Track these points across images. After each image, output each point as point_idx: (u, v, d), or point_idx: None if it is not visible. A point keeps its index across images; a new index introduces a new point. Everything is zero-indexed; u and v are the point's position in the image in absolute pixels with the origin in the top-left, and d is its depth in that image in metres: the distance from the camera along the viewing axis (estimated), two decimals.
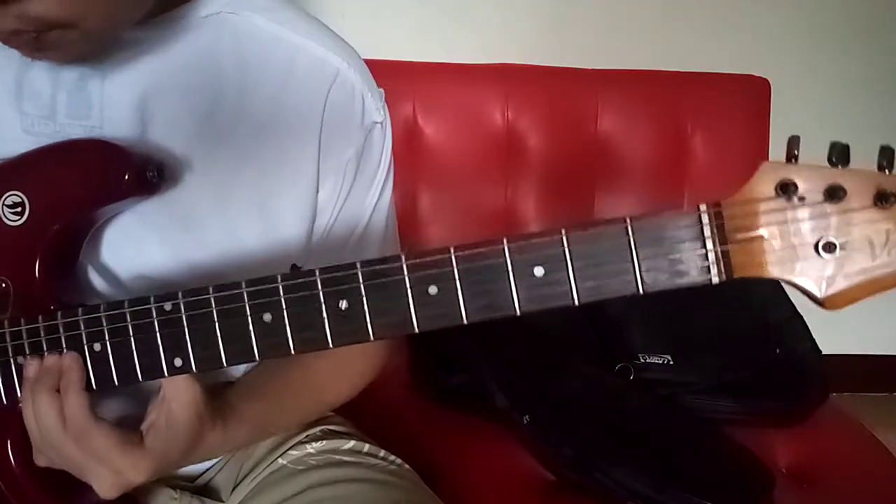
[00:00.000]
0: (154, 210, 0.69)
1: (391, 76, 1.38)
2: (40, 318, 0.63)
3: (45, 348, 0.63)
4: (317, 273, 0.56)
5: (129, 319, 0.60)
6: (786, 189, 0.48)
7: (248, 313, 0.58)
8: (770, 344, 1.27)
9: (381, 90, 0.79)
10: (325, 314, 0.56)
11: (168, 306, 0.60)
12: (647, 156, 1.53)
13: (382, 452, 0.85)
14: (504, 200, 1.51)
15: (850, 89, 1.87)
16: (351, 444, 0.85)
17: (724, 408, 1.21)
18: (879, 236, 0.47)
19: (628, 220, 0.50)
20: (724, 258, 0.49)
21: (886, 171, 0.47)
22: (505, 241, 0.53)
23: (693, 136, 1.53)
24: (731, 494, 1.02)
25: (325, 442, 0.84)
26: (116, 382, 0.62)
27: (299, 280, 0.57)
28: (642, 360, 1.24)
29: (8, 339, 0.64)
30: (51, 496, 0.67)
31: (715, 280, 0.50)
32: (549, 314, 0.52)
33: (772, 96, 1.55)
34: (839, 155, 0.47)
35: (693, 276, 0.50)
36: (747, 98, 1.56)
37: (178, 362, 0.60)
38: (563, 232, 0.51)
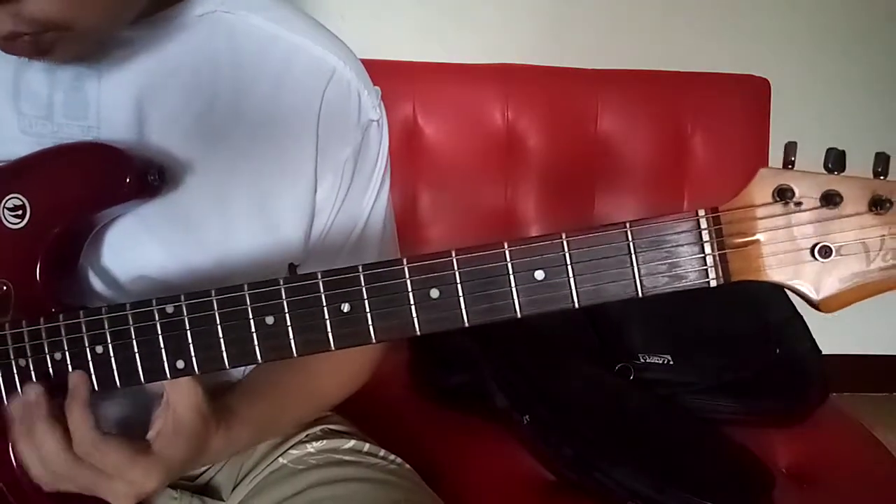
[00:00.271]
0: (153, 211, 0.69)
1: (391, 76, 1.38)
2: (42, 320, 0.63)
3: (46, 351, 0.63)
4: (319, 276, 0.57)
5: (131, 322, 0.61)
6: (783, 195, 0.49)
7: (251, 316, 0.58)
8: (770, 344, 1.27)
9: (378, 88, 0.79)
10: (327, 317, 0.57)
11: (170, 308, 0.60)
12: (647, 156, 1.53)
13: (382, 452, 0.86)
14: (504, 200, 1.51)
15: (850, 89, 1.87)
16: (351, 443, 0.85)
17: (724, 408, 1.21)
18: (874, 241, 0.49)
19: (628, 225, 0.52)
20: (723, 262, 0.51)
21: (882, 177, 0.48)
22: (506, 244, 0.53)
23: (693, 136, 1.53)
24: (731, 494, 1.02)
25: (325, 441, 0.84)
26: (119, 384, 0.62)
27: (301, 283, 0.57)
28: (642, 360, 1.24)
29: (9, 341, 0.64)
30: (51, 499, 0.67)
31: (713, 284, 0.51)
32: (550, 315, 0.53)
33: (772, 96, 1.55)
34: (835, 161, 0.49)
35: (691, 279, 0.51)
36: (747, 98, 1.56)
37: (180, 364, 0.60)
38: (564, 236, 0.52)
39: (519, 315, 0.53)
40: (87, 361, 0.62)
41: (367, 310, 0.56)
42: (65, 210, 0.65)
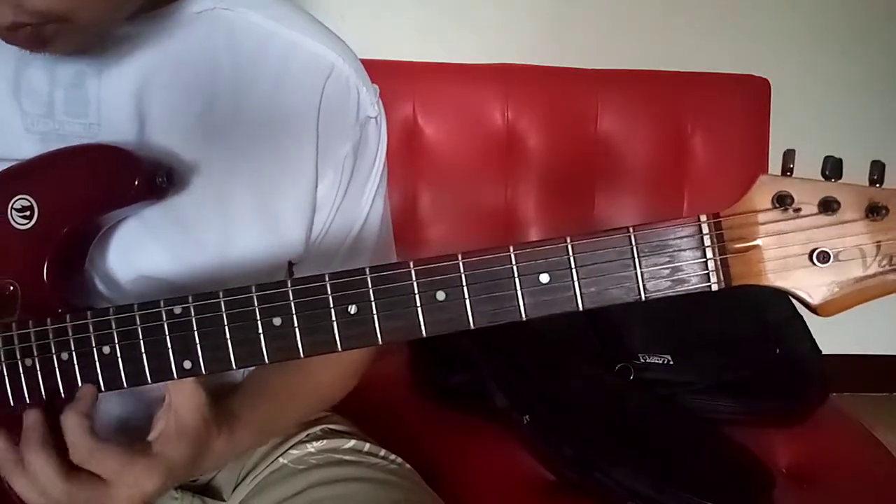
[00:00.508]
0: (154, 212, 0.69)
1: (391, 76, 1.39)
2: (48, 320, 0.63)
3: (53, 351, 0.63)
4: (326, 278, 0.57)
5: (138, 322, 0.61)
6: (782, 201, 0.51)
7: (258, 317, 0.59)
8: (770, 344, 1.27)
9: (376, 86, 0.79)
10: (334, 318, 0.57)
11: (178, 309, 0.60)
12: (647, 156, 1.53)
13: (383, 452, 0.86)
14: (504, 200, 1.51)
15: (850, 89, 1.87)
16: (351, 443, 0.85)
17: (724, 408, 1.21)
18: (870, 247, 0.50)
19: (631, 230, 0.53)
20: (724, 267, 0.52)
21: (878, 184, 0.50)
22: (511, 248, 0.54)
23: (693, 136, 1.53)
24: (731, 494, 1.03)
25: (325, 441, 0.84)
26: (125, 384, 0.62)
27: (309, 285, 0.58)
28: (642, 360, 1.24)
29: (16, 341, 0.64)
30: None
31: (714, 287, 0.52)
32: (551, 315, 0.54)
33: (772, 96, 1.55)
34: (833, 168, 0.50)
35: (693, 283, 0.52)
36: (747, 98, 1.56)
37: (187, 365, 0.61)
38: (568, 240, 0.53)
39: (524, 318, 0.54)
40: (95, 361, 0.62)
41: (374, 311, 0.56)
42: (72, 211, 0.66)
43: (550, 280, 0.54)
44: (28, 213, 0.65)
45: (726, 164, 1.52)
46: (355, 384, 0.87)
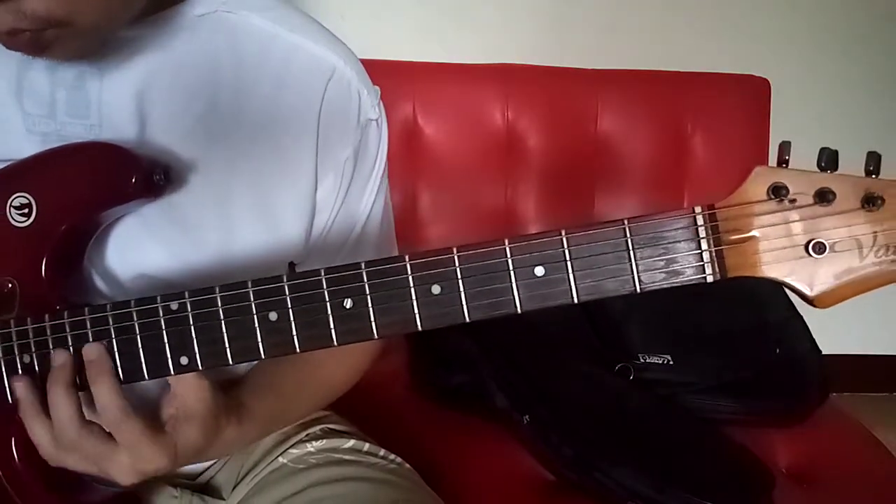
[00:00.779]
0: (154, 211, 0.69)
1: (391, 76, 1.39)
2: (46, 317, 0.63)
3: (51, 347, 0.63)
4: (322, 273, 0.57)
5: (135, 318, 0.61)
6: (778, 192, 0.51)
7: (254, 312, 0.59)
8: (770, 344, 1.27)
9: (377, 88, 0.79)
10: (329, 313, 0.57)
11: (174, 305, 0.60)
12: (647, 156, 1.53)
13: (382, 451, 0.86)
14: (504, 200, 1.51)
15: (850, 89, 1.87)
16: (351, 442, 0.85)
17: (724, 408, 1.21)
18: (867, 237, 0.50)
19: (626, 222, 0.53)
20: (719, 258, 0.52)
21: (874, 175, 0.50)
22: (506, 241, 0.54)
23: (693, 136, 1.53)
24: (731, 494, 1.02)
25: (325, 441, 0.84)
26: (122, 380, 0.62)
27: (304, 279, 0.58)
28: (642, 360, 1.24)
29: (14, 338, 0.64)
30: (53, 492, 0.67)
31: (710, 279, 0.52)
32: (549, 314, 0.54)
33: (772, 96, 1.55)
34: (828, 160, 0.50)
35: (688, 275, 0.52)
36: (747, 98, 1.56)
37: (184, 360, 0.61)
38: (563, 233, 0.53)
39: (519, 310, 0.54)
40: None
41: (370, 305, 0.57)
42: (71, 209, 0.66)
43: (545, 273, 0.54)
44: (26, 210, 0.65)
45: (726, 164, 1.52)
46: (360, 377, 0.88)
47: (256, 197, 0.73)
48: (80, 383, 0.63)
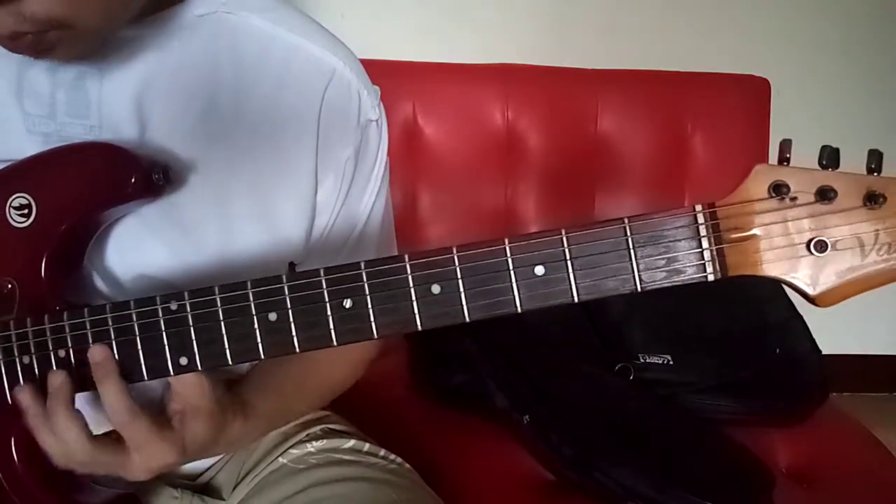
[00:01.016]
0: (154, 212, 0.69)
1: (391, 76, 1.39)
2: (46, 318, 0.63)
3: (50, 348, 0.63)
4: (321, 273, 0.57)
5: (135, 319, 0.61)
6: (779, 190, 0.51)
7: (254, 312, 0.59)
8: (770, 344, 1.27)
9: (377, 88, 0.79)
10: (329, 313, 0.57)
11: (174, 306, 0.60)
12: (647, 156, 1.53)
13: (382, 451, 0.86)
14: (504, 200, 1.51)
15: (850, 89, 1.87)
16: (351, 443, 0.85)
17: (724, 408, 1.21)
18: (869, 236, 0.50)
19: (626, 220, 0.53)
20: (720, 257, 0.52)
21: (875, 173, 0.50)
22: (506, 240, 0.54)
23: (693, 136, 1.53)
24: (731, 494, 1.02)
25: (325, 441, 0.84)
26: None
27: (304, 280, 0.58)
28: (642, 360, 1.24)
29: (13, 338, 0.64)
30: (53, 493, 0.67)
31: (710, 278, 0.52)
32: (550, 314, 0.54)
33: (772, 96, 1.55)
34: (829, 158, 0.50)
35: (689, 274, 0.52)
36: (747, 98, 1.56)
37: (183, 361, 0.61)
38: (563, 232, 0.53)
39: (520, 310, 0.54)
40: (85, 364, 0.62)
41: (369, 305, 0.56)
42: (70, 209, 0.66)
43: (545, 272, 0.54)
44: (26, 211, 0.65)
45: (726, 163, 1.52)
46: (360, 376, 0.88)
47: (256, 197, 0.73)
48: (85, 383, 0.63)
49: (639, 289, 0.53)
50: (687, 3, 1.75)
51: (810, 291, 0.51)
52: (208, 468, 0.84)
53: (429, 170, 1.48)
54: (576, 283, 0.53)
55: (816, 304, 0.52)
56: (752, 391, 1.23)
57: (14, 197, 0.65)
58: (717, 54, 1.72)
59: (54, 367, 0.63)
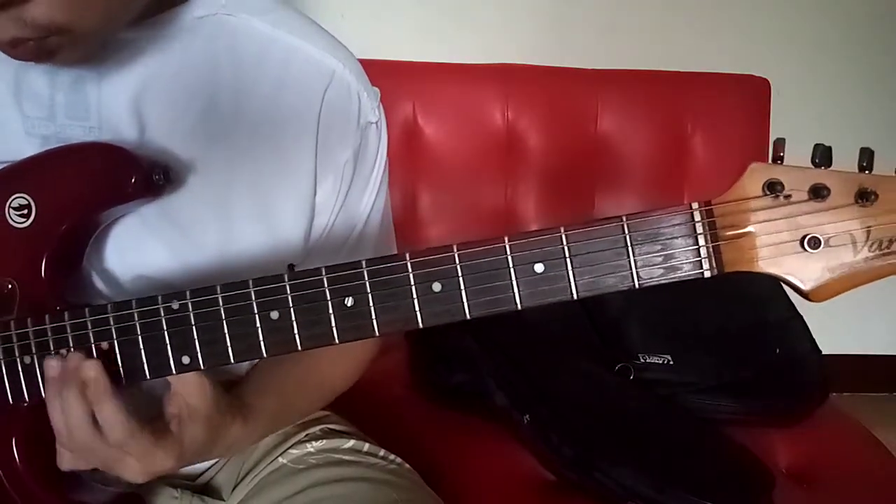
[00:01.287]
0: (154, 212, 0.69)
1: (391, 76, 1.39)
2: (47, 318, 0.63)
3: (52, 348, 0.63)
4: (323, 271, 0.58)
5: (136, 318, 0.61)
6: (773, 188, 0.52)
7: (256, 311, 0.59)
8: (770, 344, 1.27)
9: (377, 89, 0.80)
10: (331, 311, 0.58)
11: (176, 305, 0.60)
12: (647, 156, 1.53)
13: (382, 452, 0.86)
14: (504, 200, 1.51)
15: (850, 89, 1.87)
16: (351, 443, 0.85)
17: (724, 408, 1.21)
18: (861, 232, 0.51)
19: (624, 219, 0.53)
20: (716, 253, 0.53)
21: (867, 171, 0.51)
22: (506, 238, 0.55)
23: (693, 136, 1.53)
24: (731, 494, 1.02)
25: (325, 441, 0.84)
26: (124, 381, 0.62)
27: (305, 278, 0.58)
28: (642, 360, 1.24)
29: (14, 339, 0.64)
30: (54, 492, 0.67)
31: (707, 275, 0.53)
32: (550, 312, 0.54)
33: (772, 96, 1.55)
34: (822, 156, 0.51)
35: (686, 270, 0.53)
36: (747, 98, 1.56)
37: (185, 360, 0.61)
38: (563, 230, 0.54)
39: (519, 307, 0.55)
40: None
41: (371, 304, 0.57)
42: (70, 209, 0.66)
43: (545, 269, 0.54)
44: (26, 211, 0.65)
45: (726, 164, 1.52)
46: (360, 375, 0.88)
47: (256, 198, 0.73)
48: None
49: (637, 285, 0.53)
50: (687, 3, 1.75)
51: (804, 287, 0.52)
52: (208, 468, 0.84)
53: (429, 170, 1.48)
54: (575, 280, 0.54)
55: (810, 300, 0.53)
56: (752, 391, 1.23)
57: (14, 197, 0.65)
58: (717, 54, 1.72)
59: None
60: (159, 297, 0.61)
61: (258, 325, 0.59)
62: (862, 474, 1.15)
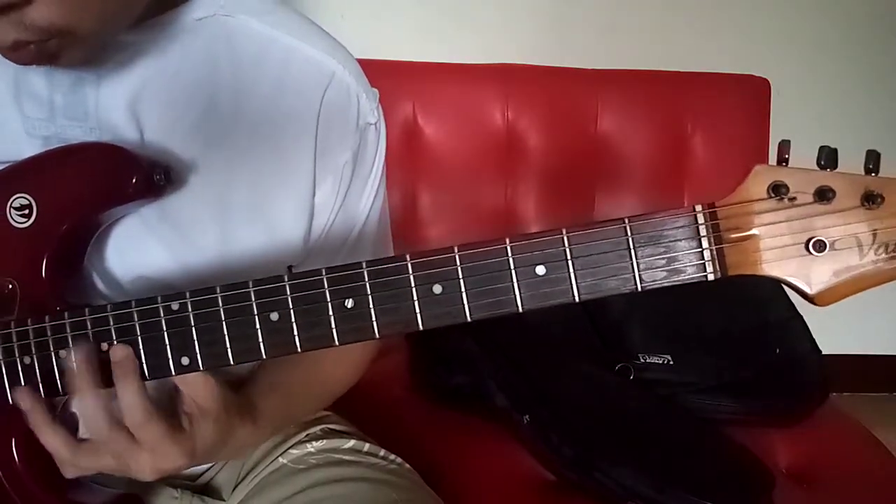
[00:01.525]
0: (153, 213, 0.69)
1: (391, 76, 1.39)
2: (47, 318, 0.63)
3: (51, 348, 0.63)
4: (323, 272, 0.57)
5: (136, 319, 0.61)
6: (778, 190, 0.51)
7: (255, 312, 0.59)
8: (770, 344, 1.27)
9: (376, 91, 0.80)
10: (331, 313, 0.57)
11: (175, 306, 0.60)
12: (647, 156, 1.53)
13: (382, 452, 0.86)
14: (504, 200, 1.51)
15: (850, 89, 1.87)
16: (351, 443, 0.85)
17: (724, 408, 1.21)
18: (867, 235, 0.50)
19: (626, 220, 0.53)
20: (719, 256, 0.52)
21: (873, 173, 0.50)
22: (507, 240, 0.55)
23: (693, 136, 1.53)
24: (731, 494, 1.02)
25: (325, 441, 0.84)
26: None
27: (306, 279, 0.58)
28: (642, 360, 1.24)
29: (14, 339, 0.64)
30: (53, 493, 0.67)
31: (710, 278, 0.52)
32: (550, 313, 0.54)
33: (772, 96, 1.55)
34: (828, 158, 0.50)
35: (689, 273, 0.53)
36: (747, 98, 1.56)
37: (184, 361, 0.61)
38: (564, 231, 0.54)
39: (521, 310, 0.55)
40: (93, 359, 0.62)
41: (371, 305, 0.57)
42: (71, 209, 0.66)
43: (547, 272, 0.54)
44: (27, 211, 0.65)
45: (726, 164, 1.52)
46: (361, 374, 0.88)
47: (255, 199, 0.73)
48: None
49: (639, 288, 0.53)
50: (687, 3, 1.75)
51: (809, 291, 0.52)
52: (208, 468, 0.84)
53: (429, 170, 1.48)
54: (577, 282, 0.54)
55: (815, 304, 0.52)
56: (752, 391, 1.23)
57: (15, 197, 0.65)
58: (717, 54, 1.72)
59: (55, 368, 0.63)
60: (159, 298, 0.61)
61: (258, 326, 0.59)
62: (862, 474, 1.16)
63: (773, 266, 0.52)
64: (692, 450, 1.11)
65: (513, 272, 0.54)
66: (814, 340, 1.27)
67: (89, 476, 0.69)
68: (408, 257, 0.56)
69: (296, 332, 0.58)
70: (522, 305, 0.54)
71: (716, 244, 0.52)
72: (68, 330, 0.63)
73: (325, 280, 0.57)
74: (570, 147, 1.51)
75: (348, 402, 0.88)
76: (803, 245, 0.51)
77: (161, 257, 0.71)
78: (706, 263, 0.52)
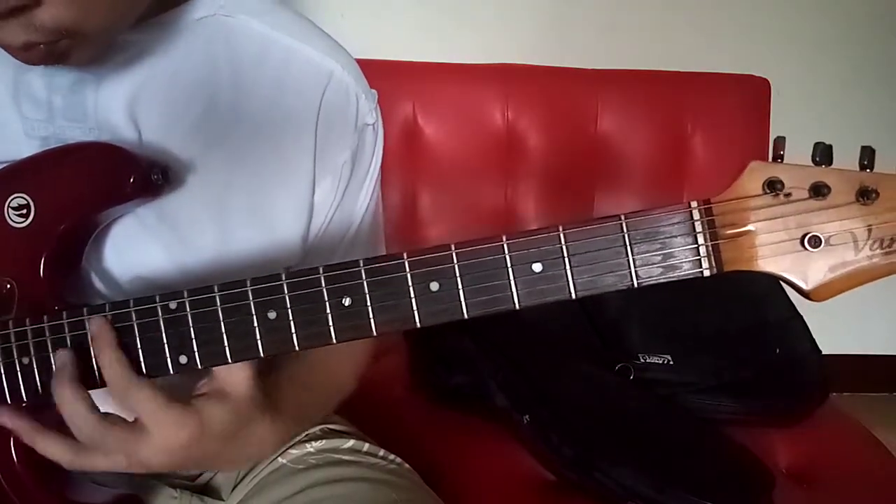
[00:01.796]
0: (152, 213, 0.69)
1: (391, 76, 1.39)
2: (45, 318, 0.63)
3: (50, 348, 0.63)
4: (320, 271, 0.57)
5: (134, 318, 0.61)
6: (773, 186, 0.51)
7: (253, 311, 0.59)
8: (770, 344, 1.27)
9: (374, 91, 0.80)
10: (328, 311, 0.57)
11: (173, 305, 0.60)
12: (647, 156, 1.53)
13: (382, 452, 0.86)
14: (504, 200, 1.51)
15: (850, 89, 1.87)
16: (350, 443, 0.85)
17: (724, 408, 1.21)
18: (862, 231, 0.51)
19: (622, 217, 0.53)
20: (715, 252, 0.52)
21: (868, 169, 0.50)
22: (504, 238, 0.55)
23: (693, 136, 1.53)
24: (731, 494, 1.02)
25: (324, 441, 0.84)
26: None
27: (303, 278, 0.58)
28: (642, 360, 1.24)
29: (12, 339, 0.64)
30: (53, 494, 0.67)
31: (706, 273, 0.53)
32: (549, 313, 0.54)
33: (772, 96, 1.55)
34: (822, 154, 0.51)
35: (685, 269, 0.53)
36: (747, 98, 1.56)
37: (182, 359, 0.61)
38: (561, 228, 0.54)
39: (517, 306, 0.55)
40: (91, 358, 0.62)
41: (369, 303, 0.57)
42: (69, 209, 0.66)
43: (543, 269, 0.54)
44: (24, 211, 0.65)
45: (726, 163, 1.52)
46: (364, 372, 0.87)
47: (254, 199, 0.73)
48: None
49: (635, 284, 0.53)
50: (687, 3, 1.75)
51: (804, 286, 0.52)
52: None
53: (429, 170, 1.48)
54: (573, 279, 0.54)
55: (811, 299, 0.52)
56: (752, 391, 1.23)
57: (13, 197, 0.65)
58: (717, 54, 1.72)
59: (53, 368, 0.63)
60: (157, 297, 0.61)
61: (256, 324, 0.59)
62: (862, 474, 1.16)
63: (768, 262, 0.52)
64: (692, 450, 1.11)
65: (509, 269, 0.54)
66: (814, 340, 1.27)
67: (89, 476, 0.69)
68: (405, 255, 0.56)
69: (293, 331, 0.58)
70: (519, 302, 0.54)
71: (711, 240, 0.52)
72: (67, 330, 0.63)
73: (322, 278, 0.57)
74: (570, 147, 1.50)
75: (348, 402, 0.88)
76: (799, 241, 0.51)
77: (159, 257, 0.71)
78: (702, 259, 0.52)
